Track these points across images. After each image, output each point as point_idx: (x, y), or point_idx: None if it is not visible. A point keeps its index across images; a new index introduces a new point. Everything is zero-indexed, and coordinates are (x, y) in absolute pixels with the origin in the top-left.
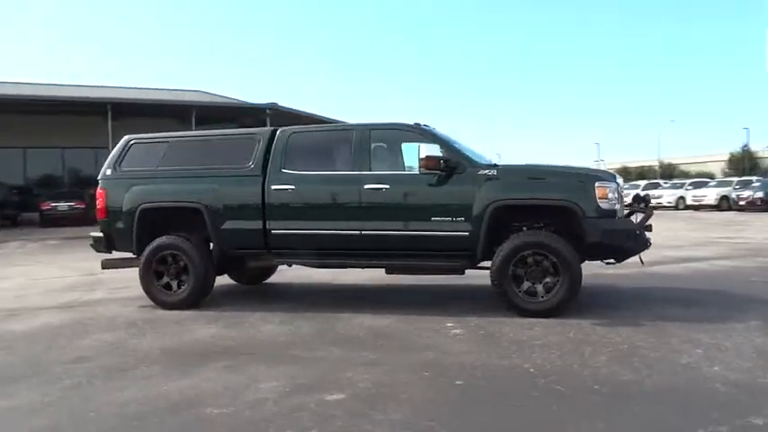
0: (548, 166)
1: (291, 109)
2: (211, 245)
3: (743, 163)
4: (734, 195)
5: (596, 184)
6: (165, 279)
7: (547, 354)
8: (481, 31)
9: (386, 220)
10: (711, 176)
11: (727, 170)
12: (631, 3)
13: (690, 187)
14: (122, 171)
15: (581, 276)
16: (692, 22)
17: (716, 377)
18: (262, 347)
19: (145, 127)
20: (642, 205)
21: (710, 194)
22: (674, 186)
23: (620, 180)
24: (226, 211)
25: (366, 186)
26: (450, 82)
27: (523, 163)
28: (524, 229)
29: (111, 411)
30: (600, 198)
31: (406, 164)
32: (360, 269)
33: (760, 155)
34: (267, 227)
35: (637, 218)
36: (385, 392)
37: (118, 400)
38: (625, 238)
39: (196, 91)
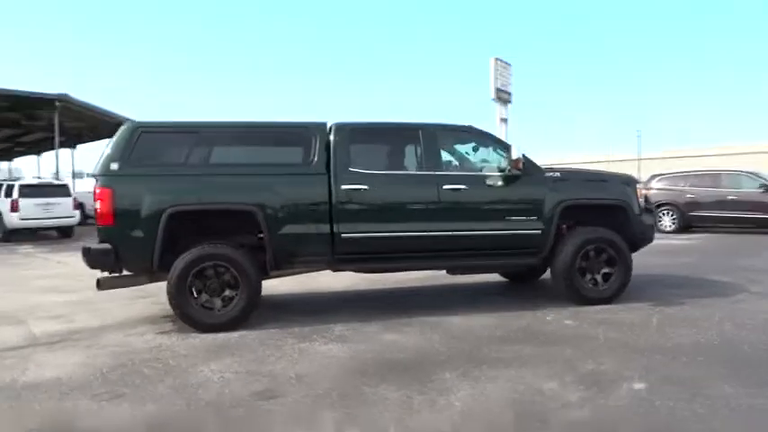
0: (595, 171)
1: (85, 103)
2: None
3: None
4: None
5: (637, 186)
6: (204, 296)
7: (685, 331)
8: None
9: (463, 221)
10: None
11: None
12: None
13: None
14: (135, 166)
15: (632, 266)
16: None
17: None
18: (445, 356)
19: None
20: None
21: None
22: None
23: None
24: (285, 214)
25: (445, 187)
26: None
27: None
28: (564, 227)
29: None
30: (639, 198)
31: (462, 164)
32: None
33: None
34: (335, 230)
35: None
36: (669, 375)
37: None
38: (651, 232)
39: None
